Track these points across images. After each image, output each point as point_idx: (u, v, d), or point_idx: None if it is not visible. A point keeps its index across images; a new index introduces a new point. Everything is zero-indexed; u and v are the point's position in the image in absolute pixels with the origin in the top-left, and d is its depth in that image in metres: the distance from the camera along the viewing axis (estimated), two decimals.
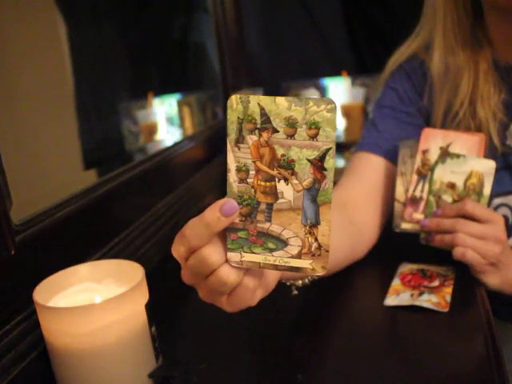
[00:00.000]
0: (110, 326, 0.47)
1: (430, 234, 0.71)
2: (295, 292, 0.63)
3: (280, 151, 0.38)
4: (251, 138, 0.38)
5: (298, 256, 0.40)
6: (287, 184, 0.39)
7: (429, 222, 0.71)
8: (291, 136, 0.38)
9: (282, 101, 0.37)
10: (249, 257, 0.40)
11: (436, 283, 0.67)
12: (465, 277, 0.70)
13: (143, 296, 0.51)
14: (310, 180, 0.38)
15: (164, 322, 0.58)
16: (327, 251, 0.39)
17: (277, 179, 0.39)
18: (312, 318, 0.66)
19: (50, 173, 0.67)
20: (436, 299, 0.64)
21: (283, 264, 0.40)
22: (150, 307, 0.51)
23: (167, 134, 1.13)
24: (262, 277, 0.43)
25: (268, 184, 0.39)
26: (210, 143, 1.28)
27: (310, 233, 0.39)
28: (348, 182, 0.79)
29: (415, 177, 0.73)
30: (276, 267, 0.40)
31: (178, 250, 0.41)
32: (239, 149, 0.39)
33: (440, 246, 0.70)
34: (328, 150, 0.37)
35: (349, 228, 0.72)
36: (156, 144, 1.05)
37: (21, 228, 0.53)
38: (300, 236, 0.39)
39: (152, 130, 1.08)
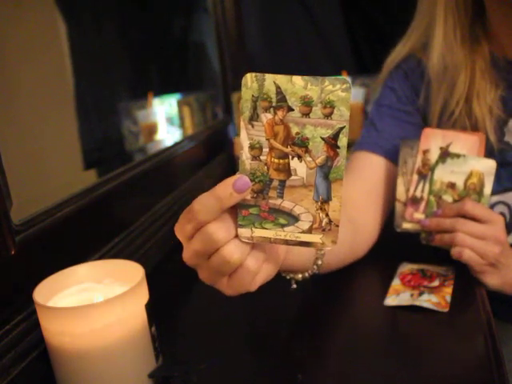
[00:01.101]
0: (110, 326, 0.47)
1: (430, 234, 0.71)
2: (294, 286, 0.63)
3: (294, 129, 0.39)
4: (266, 116, 0.39)
5: (309, 231, 0.40)
6: (300, 161, 0.39)
7: (429, 221, 0.71)
8: (306, 114, 0.38)
9: (298, 80, 0.38)
10: (260, 232, 0.40)
11: (436, 283, 0.67)
12: (465, 277, 0.70)
13: (143, 296, 0.51)
14: (323, 157, 0.39)
15: (164, 322, 0.58)
16: (337, 226, 0.40)
17: (290, 156, 0.40)
18: (312, 317, 0.66)
19: (50, 173, 0.67)
20: (436, 299, 0.64)
21: (294, 239, 0.41)
22: (150, 307, 0.51)
23: (167, 134, 1.13)
24: (264, 260, 0.43)
25: (281, 161, 0.40)
26: (210, 143, 1.28)
27: (321, 208, 0.40)
28: (347, 182, 0.79)
29: (415, 177, 0.73)
30: (287, 242, 0.41)
31: (183, 228, 0.41)
32: (253, 126, 0.39)
33: (440, 245, 0.70)
34: (342, 128, 0.38)
35: (348, 227, 0.72)
36: (156, 144, 1.05)
37: (21, 228, 0.53)
38: (311, 212, 0.40)
39: (152, 129, 1.08)
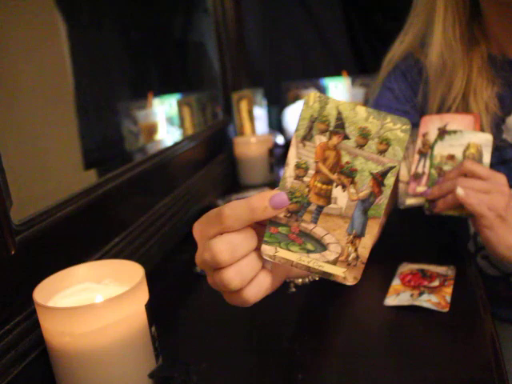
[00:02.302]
0: (110, 326, 0.47)
1: (432, 203, 0.71)
2: (293, 289, 0.63)
3: (345, 158, 0.38)
4: (320, 139, 0.38)
5: (334, 262, 0.40)
6: (343, 191, 0.39)
7: (432, 189, 0.70)
8: (361, 146, 0.38)
9: (361, 110, 0.38)
10: (283, 253, 0.40)
11: (436, 283, 0.67)
12: (465, 277, 0.70)
13: (143, 296, 0.51)
14: (367, 192, 0.39)
15: (164, 322, 0.58)
16: (363, 263, 0.39)
17: (334, 184, 0.39)
18: (312, 317, 0.66)
19: (50, 173, 0.67)
20: (436, 299, 0.64)
21: (316, 267, 0.40)
22: (150, 307, 0.51)
23: (167, 134, 1.13)
24: (263, 288, 0.42)
25: (324, 187, 0.39)
26: (210, 143, 1.28)
27: (351, 242, 0.39)
28: None
29: (417, 156, 0.75)
30: (309, 269, 0.40)
31: (205, 229, 0.40)
32: (304, 146, 0.39)
33: (444, 211, 0.70)
34: (392, 167, 0.38)
35: None
36: (156, 144, 1.05)
37: (21, 228, 0.53)
38: (341, 244, 0.39)
39: (152, 129, 1.08)
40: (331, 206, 0.39)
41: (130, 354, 0.49)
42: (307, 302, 0.69)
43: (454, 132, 0.72)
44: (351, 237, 0.39)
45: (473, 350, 0.56)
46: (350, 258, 0.40)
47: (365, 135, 0.38)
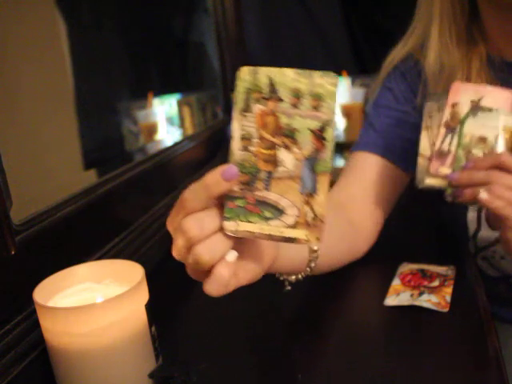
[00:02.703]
0: (110, 326, 0.47)
1: (457, 190, 0.64)
2: (288, 288, 0.63)
3: (284, 120, 0.40)
4: (257, 108, 0.40)
5: (294, 226, 0.40)
6: (288, 152, 0.40)
7: (459, 175, 0.63)
8: (295, 106, 0.40)
9: (289, 72, 0.40)
10: (245, 226, 0.41)
11: (436, 283, 0.67)
12: (465, 277, 0.70)
13: (143, 296, 0.51)
14: (310, 149, 0.40)
15: (164, 321, 0.58)
16: (322, 222, 0.40)
17: (278, 147, 0.40)
18: (312, 318, 0.66)
19: (50, 173, 0.67)
20: (436, 299, 0.64)
21: (278, 234, 0.41)
22: (149, 307, 0.51)
23: (167, 134, 1.13)
24: (248, 259, 0.43)
25: (270, 152, 0.40)
26: (210, 143, 1.28)
27: (306, 202, 0.40)
28: (346, 182, 0.79)
29: (443, 130, 0.66)
30: (271, 237, 0.41)
31: (174, 219, 0.41)
32: (245, 117, 0.40)
33: (469, 202, 0.63)
34: (328, 120, 0.39)
35: (347, 227, 0.72)
36: (156, 144, 1.05)
37: (21, 228, 0.53)
38: (297, 205, 0.40)
39: (152, 129, 1.08)
40: (280, 169, 0.40)
41: (130, 354, 0.49)
42: (307, 302, 0.69)
43: (490, 110, 0.64)
44: (305, 196, 0.40)
45: (473, 350, 0.56)
46: (309, 219, 0.40)
47: (297, 95, 0.39)
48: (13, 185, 0.51)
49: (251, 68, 0.39)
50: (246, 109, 0.40)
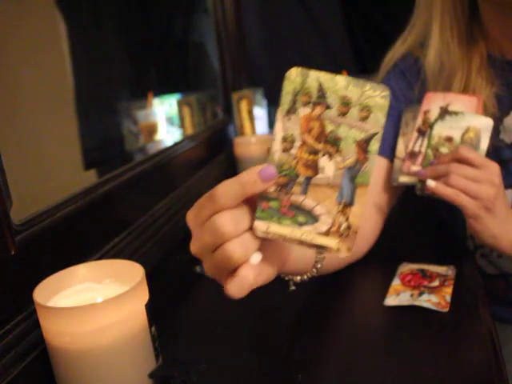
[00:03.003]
0: (110, 326, 0.47)
1: (424, 184, 0.70)
2: (293, 288, 0.63)
3: (329, 127, 0.39)
4: (303, 111, 0.39)
5: (326, 234, 0.40)
6: (330, 160, 0.39)
7: (425, 170, 0.70)
8: (343, 114, 0.39)
9: (341, 80, 0.39)
10: (276, 228, 0.40)
11: (436, 283, 0.67)
12: (465, 277, 0.70)
13: (143, 296, 0.51)
14: (352, 159, 0.39)
15: (164, 322, 0.58)
16: (355, 233, 0.39)
17: (320, 154, 0.39)
18: (312, 318, 0.66)
19: (50, 173, 0.67)
20: (436, 299, 0.64)
21: (309, 240, 0.40)
22: (149, 307, 0.51)
23: (167, 134, 1.13)
24: (266, 261, 0.42)
25: (311, 157, 0.40)
26: (210, 143, 1.28)
27: (342, 212, 0.40)
28: None
29: (415, 134, 0.74)
30: (301, 242, 0.40)
31: (196, 213, 0.40)
32: (289, 119, 0.39)
33: (434, 193, 0.69)
34: (375, 134, 0.39)
35: None
36: (156, 144, 1.05)
37: (21, 228, 0.53)
38: (332, 214, 0.40)
39: (152, 130, 1.08)
40: (319, 176, 0.40)
41: (130, 354, 0.49)
42: (307, 303, 0.69)
43: (456, 113, 0.72)
44: (341, 206, 0.40)
45: (473, 350, 0.56)
46: (342, 229, 0.40)
47: (346, 103, 0.39)
48: (13, 185, 0.51)
49: (302, 70, 0.39)
50: (292, 110, 0.39)
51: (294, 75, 0.39)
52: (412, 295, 0.65)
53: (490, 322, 0.61)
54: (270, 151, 0.40)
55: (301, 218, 0.40)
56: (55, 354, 0.48)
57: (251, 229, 0.40)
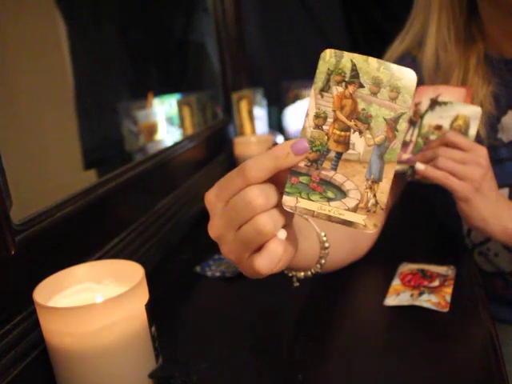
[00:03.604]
0: (110, 326, 0.47)
1: (414, 169, 0.72)
2: (296, 284, 0.63)
3: (361, 105, 0.40)
4: (337, 89, 0.40)
5: (354, 209, 0.41)
6: (361, 137, 0.41)
7: (415, 157, 0.72)
8: (374, 94, 0.40)
9: (373, 61, 0.40)
10: (304, 203, 0.41)
11: (436, 283, 0.67)
12: (465, 277, 0.70)
13: (143, 296, 0.51)
14: (382, 137, 0.40)
15: (164, 322, 0.58)
16: (382, 209, 0.41)
17: (352, 130, 0.41)
18: (312, 318, 0.66)
19: (50, 173, 0.67)
20: (436, 299, 0.64)
21: (337, 216, 0.41)
22: (149, 307, 0.51)
23: (167, 134, 1.13)
24: (287, 242, 0.42)
25: (343, 133, 0.41)
26: (210, 143, 1.28)
27: (370, 188, 0.41)
28: None
29: (406, 125, 0.76)
30: (329, 218, 0.41)
31: (222, 189, 0.40)
32: (322, 97, 0.41)
33: (424, 178, 0.70)
34: (403, 113, 0.40)
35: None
36: (156, 144, 1.05)
37: (21, 228, 0.53)
38: (360, 189, 0.41)
39: (152, 129, 1.08)
40: (350, 151, 0.41)
41: (130, 353, 0.49)
42: (307, 303, 0.69)
43: (445, 103, 0.73)
44: (369, 182, 0.41)
45: (473, 349, 0.56)
46: (370, 204, 0.41)
47: (377, 83, 0.40)
48: (13, 185, 0.51)
49: (336, 51, 0.40)
50: (325, 89, 0.40)
51: (328, 56, 0.40)
52: (412, 295, 0.65)
53: (490, 322, 0.61)
54: (302, 127, 0.41)
55: (330, 194, 0.41)
56: (55, 354, 0.48)
57: (278, 205, 0.41)
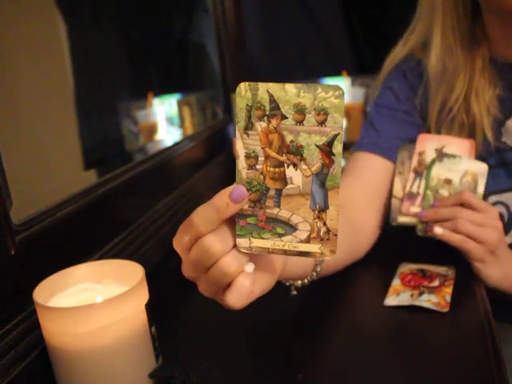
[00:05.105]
0: (110, 326, 0.47)
1: (427, 225, 0.73)
2: (294, 292, 0.63)
3: (289, 137, 0.39)
4: (260, 125, 0.39)
5: (307, 240, 0.40)
6: (296, 169, 0.39)
7: (427, 212, 0.72)
8: (300, 122, 0.38)
9: (290, 87, 0.38)
10: (258, 242, 0.40)
11: (436, 283, 0.67)
12: (465, 277, 0.70)
13: (143, 296, 0.51)
14: (318, 165, 0.39)
15: (164, 322, 0.58)
16: (335, 235, 0.40)
17: (286, 165, 0.39)
18: (312, 318, 0.66)
19: (50, 173, 0.67)
20: (436, 299, 0.64)
21: (292, 249, 0.40)
22: (149, 307, 0.51)
23: (167, 134, 1.13)
24: (261, 270, 0.43)
25: (277, 170, 0.40)
26: (210, 143, 1.28)
27: (318, 217, 0.40)
28: (347, 183, 0.79)
29: (412, 175, 0.77)
30: (285, 252, 0.41)
31: (181, 240, 0.41)
32: (248, 136, 0.39)
33: (438, 236, 0.71)
34: (336, 135, 0.38)
35: (348, 228, 0.71)
36: (156, 144, 1.05)
37: (21, 228, 0.53)
38: (309, 221, 0.40)
39: (152, 129, 1.08)
40: (289, 186, 0.40)
41: (130, 353, 0.49)
42: (307, 303, 0.69)
43: (454, 156, 0.74)
44: (316, 212, 0.40)
45: (473, 349, 0.56)
46: (322, 233, 0.40)
47: (301, 110, 0.38)
48: (13, 185, 0.51)
49: (250, 83, 0.38)
50: (249, 127, 0.39)
51: (243, 90, 0.38)
52: (412, 295, 0.65)
53: (490, 321, 0.61)
54: (236, 171, 0.40)
55: (280, 230, 0.40)
56: (55, 354, 0.48)
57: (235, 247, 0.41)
